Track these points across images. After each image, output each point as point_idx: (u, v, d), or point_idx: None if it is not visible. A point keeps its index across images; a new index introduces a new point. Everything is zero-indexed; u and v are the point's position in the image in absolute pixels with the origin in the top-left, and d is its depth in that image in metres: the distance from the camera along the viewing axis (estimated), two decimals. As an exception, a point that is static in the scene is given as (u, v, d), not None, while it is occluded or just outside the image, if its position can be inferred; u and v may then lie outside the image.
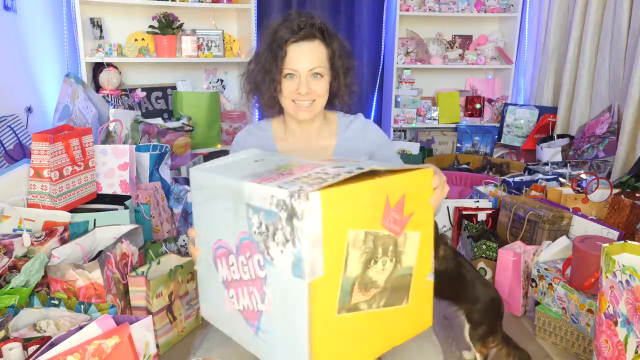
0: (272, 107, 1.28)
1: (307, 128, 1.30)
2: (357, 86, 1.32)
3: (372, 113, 3.92)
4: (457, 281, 1.40)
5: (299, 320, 0.73)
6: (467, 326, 1.47)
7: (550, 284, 1.67)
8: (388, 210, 0.79)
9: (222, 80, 3.58)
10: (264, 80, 1.23)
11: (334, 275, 0.73)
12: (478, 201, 2.33)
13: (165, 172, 2.26)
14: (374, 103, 3.92)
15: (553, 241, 1.86)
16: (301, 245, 0.69)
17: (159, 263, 1.63)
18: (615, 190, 2.11)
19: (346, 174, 0.74)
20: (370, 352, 0.84)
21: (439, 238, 1.35)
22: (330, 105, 1.31)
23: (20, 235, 1.51)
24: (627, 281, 1.16)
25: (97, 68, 3.09)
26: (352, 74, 1.29)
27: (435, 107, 3.77)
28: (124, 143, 2.32)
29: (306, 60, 1.19)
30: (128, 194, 1.91)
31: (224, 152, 3.07)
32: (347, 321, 0.77)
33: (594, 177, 2.18)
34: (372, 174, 0.78)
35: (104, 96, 2.92)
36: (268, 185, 0.73)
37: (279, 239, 0.72)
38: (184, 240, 2.11)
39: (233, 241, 0.82)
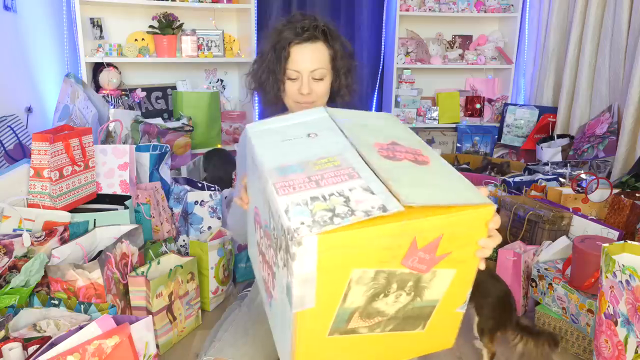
0: (275, 105, 1.31)
1: None
2: (358, 85, 1.35)
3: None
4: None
5: (288, 331, 0.73)
6: (476, 319, 1.49)
7: (550, 284, 1.67)
8: (414, 250, 0.69)
9: (222, 80, 3.58)
10: (268, 80, 1.25)
11: (328, 306, 0.71)
12: (478, 201, 2.32)
13: (165, 172, 2.26)
14: (374, 103, 3.92)
15: (553, 241, 1.86)
16: (293, 278, 0.66)
17: (159, 263, 1.63)
18: (615, 190, 2.11)
19: (362, 213, 0.64)
20: None
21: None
22: (331, 103, 1.32)
23: (20, 235, 1.51)
24: (627, 281, 1.16)
25: (97, 68, 3.09)
26: (353, 74, 1.31)
27: (435, 107, 3.77)
28: (124, 143, 2.32)
29: (308, 61, 1.22)
30: (128, 194, 1.91)
31: (221, 152, 3.06)
32: (341, 341, 0.76)
33: (594, 177, 2.18)
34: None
35: (104, 96, 2.92)
36: (279, 200, 0.68)
37: (282, 256, 0.69)
38: (184, 241, 2.11)
39: (264, 218, 0.79)
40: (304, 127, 0.86)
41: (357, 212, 0.65)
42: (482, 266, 0.77)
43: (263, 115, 3.37)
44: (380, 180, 0.70)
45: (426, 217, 0.67)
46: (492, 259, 1.95)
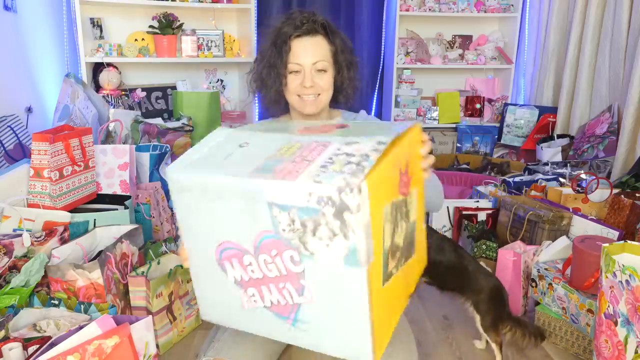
0: (278, 103, 1.30)
1: None
2: (359, 81, 1.35)
3: (372, 113, 3.92)
4: (461, 273, 1.41)
5: (355, 304, 0.73)
6: (477, 317, 1.50)
7: (550, 284, 1.67)
8: (402, 176, 0.80)
9: (222, 80, 3.58)
10: (270, 76, 1.25)
11: (379, 254, 0.74)
12: (478, 201, 2.33)
13: (165, 172, 2.26)
14: (374, 103, 3.92)
15: (553, 241, 1.86)
16: (356, 237, 0.67)
17: (159, 263, 1.63)
18: (615, 190, 2.11)
19: (373, 152, 0.70)
20: (399, 309, 0.88)
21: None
22: (334, 100, 1.32)
23: (20, 235, 1.51)
24: (627, 281, 1.16)
25: (97, 68, 3.09)
26: (354, 68, 1.31)
27: (435, 107, 3.77)
28: (124, 143, 2.32)
29: (310, 54, 1.22)
30: (128, 194, 1.91)
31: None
32: (388, 290, 0.79)
33: (594, 177, 2.18)
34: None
35: (104, 96, 2.92)
36: (299, 181, 0.68)
37: (323, 234, 0.70)
38: (184, 240, 2.11)
39: (248, 241, 0.78)
40: (229, 143, 0.84)
41: (366, 155, 0.70)
42: (427, 175, 0.92)
43: (263, 116, 3.38)
44: (345, 139, 0.76)
45: (401, 145, 0.78)
46: (492, 259, 1.95)
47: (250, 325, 0.87)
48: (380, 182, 0.70)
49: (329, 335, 0.79)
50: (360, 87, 1.35)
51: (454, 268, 1.38)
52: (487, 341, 1.57)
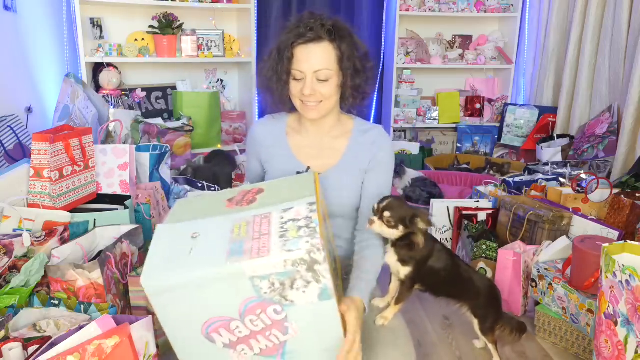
0: (284, 103, 1.29)
1: (320, 125, 1.31)
2: (371, 87, 1.30)
3: (372, 113, 3.93)
4: (457, 278, 1.41)
5: (330, 324, 0.94)
6: (475, 322, 1.50)
7: (550, 284, 1.67)
8: (324, 220, 0.99)
9: (222, 80, 3.58)
10: (273, 80, 1.24)
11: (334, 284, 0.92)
12: (478, 201, 2.32)
13: (165, 172, 2.26)
14: (374, 103, 3.92)
15: (553, 241, 1.86)
16: (325, 279, 0.86)
17: (159, 263, 1.62)
18: (615, 190, 2.11)
19: (311, 213, 0.91)
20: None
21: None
22: (344, 102, 1.30)
23: (20, 235, 1.51)
24: (627, 281, 1.16)
25: (97, 68, 3.09)
26: (364, 75, 1.27)
27: (435, 107, 3.77)
28: (124, 143, 2.32)
29: (312, 62, 1.19)
30: (128, 194, 1.91)
31: (222, 152, 3.07)
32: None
33: (594, 177, 2.18)
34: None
35: (104, 96, 2.92)
36: (273, 255, 0.84)
37: (299, 285, 0.86)
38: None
39: (233, 311, 0.89)
40: (179, 238, 0.93)
41: (309, 218, 0.90)
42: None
43: (263, 116, 3.36)
44: (278, 207, 0.95)
45: (317, 195, 0.98)
46: (492, 259, 1.95)
47: None
48: (322, 234, 0.88)
49: (312, 353, 0.96)
50: (370, 92, 1.31)
51: (449, 275, 1.38)
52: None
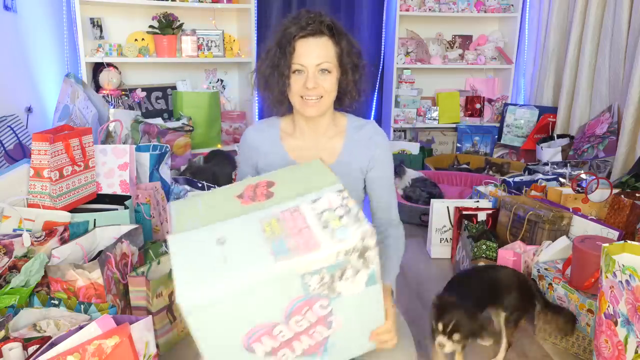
0: (281, 103, 1.28)
1: (315, 126, 1.30)
2: (366, 84, 1.32)
3: (372, 113, 3.93)
4: (486, 290, 1.43)
5: (375, 308, 0.94)
6: (502, 315, 1.50)
7: (550, 284, 1.67)
8: None
9: (222, 80, 3.58)
10: (273, 76, 1.23)
11: None
12: (478, 201, 2.33)
13: (165, 172, 2.26)
14: (374, 103, 3.92)
15: (553, 241, 1.86)
16: (374, 264, 0.85)
17: (159, 263, 1.63)
18: (615, 190, 2.11)
19: (345, 199, 0.88)
20: None
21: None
22: (339, 102, 1.31)
23: (20, 235, 1.51)
24: (627, 281, 1.16)
25: (97, 68, 3.09)
26: (360, 71, 1.28)
27: (435, 107, 3.77)
28: (124, 143, 2.32)
29: (314, 55, 1.20)
30: (128, 194, 1.91)
31: (222, 152, 3.06)
32: None
33: (594, 177, 2.18)
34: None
35: (104, 96, 2.92)
36: (324, 248, 0.80)
37: (348, 275, 0.83)
38: (184, 240, 2.10)
39: (279, 314, 0.84)
40: (205, 246, 0.85)
41: (345, 205, 0.87)
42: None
43: (263, 116, 3.38)
44: (304, 198, 0.90)
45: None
46: (492, 259, 1.95)
47: None
48: None
49: (354, 342, 0.96)
50: (367, 89, 1.33)
51: (482, 298, 1.40)
52: (492, 340, 1.57)
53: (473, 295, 1.40)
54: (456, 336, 1.21)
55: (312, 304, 0.84)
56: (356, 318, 0.91)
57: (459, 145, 3.76)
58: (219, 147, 3.30)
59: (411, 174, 2.96)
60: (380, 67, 3.85)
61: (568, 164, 2.77)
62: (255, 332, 0.84)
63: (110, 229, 1.64)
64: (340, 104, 1.31)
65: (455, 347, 1.23)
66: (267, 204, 0.91)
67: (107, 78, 3.03)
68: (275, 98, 1.28)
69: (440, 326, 1.23)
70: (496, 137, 3.69)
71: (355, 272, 0.83)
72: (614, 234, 1.83)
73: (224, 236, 0.85)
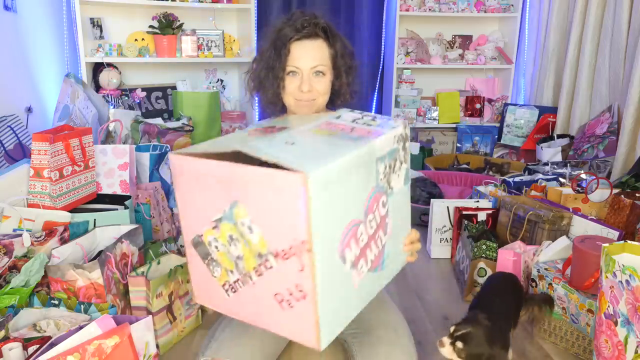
0: (275, 104, 1.29)
1: None
2: (359, 86, 1.34)
3: (372, 113, 3.92)
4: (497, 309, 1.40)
5: (407, 208, 0.98)
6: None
7: (550, 284, 1.67)
8: None
9: (222, 80, 3.58)
10: (268, 77, 1.24)
11: None
12: (478, 201, 2.32)
13: (165, 172, 2.26)
14: (374, 103, 3.92)
15: (553, 241, 1.86)
16: (409, 157, 0.92)
17: (159, 263, 1.63)
18: (615, 190, 2.11)
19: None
20: None
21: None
22: (331, 104, 1.32)
23: (20, 235, 1.51)
24: (627, 281, 1.16)
25: (97, 68, 3.09)
26: (354, 73, 1.30)
27: (435, 107, 3.77)
28: (124, 143, 2.32)
29: (309, 58, 1.21)
30: (128, 194, 1.91)
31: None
32: None
33: (594, 177, 2.18)
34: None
35: (104, 96, 2.92)
36: (388, 132, 0.86)
37: (397, 167, 0.88)
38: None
39: (362, 209, 0.79)
40: (278, 146, 0.77)
41: (370, 114, 0.97)
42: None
43: (263, 116, 3.38)
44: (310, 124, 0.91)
45: None
46: (492, 259, 1.95)
47: (361, 302, 0.87)
48: None
49: (398, 254, 0.96)
50: (359, 91, 1.35)
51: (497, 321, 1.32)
52: None
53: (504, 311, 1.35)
54: (459, 345, 1.13)
55: (379, 199, 0.84)
56: (398, 223, 0.93)
57: (459, 145, 3.76)
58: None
59: (411, 174, 2.96)
60: (380, 67, 3.85)
61: (568, 164, 2.77)
62: (348, 232, 0.76)
63: (110, 229, 1.65)
64: (332, 104, 1.32)
65: (453, 357, 1.15)
66: (319, 121, 0.93)
67: (107, 78, 3.03)
68: (269, 99, 1.29)
69: (452, 328, 1.17)
70: (496, 137, 3.69)
71: (400, 165, 0.88)
72: (614, 234, 1.83)
73: (291, 140, 0.78)
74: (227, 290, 0.81)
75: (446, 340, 1.17)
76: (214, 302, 0.85)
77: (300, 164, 0.67)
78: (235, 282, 0.79)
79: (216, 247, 0.78)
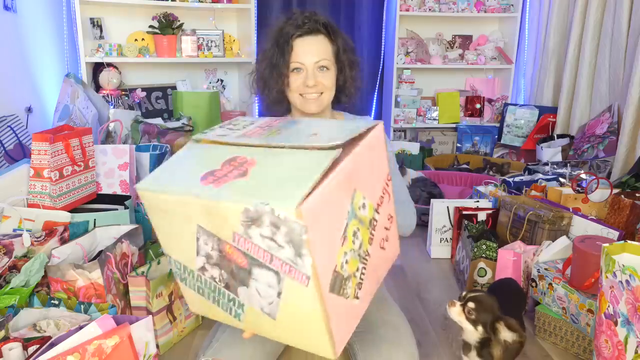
0: (280, 103, 1.29)
1: None
2: (361, 81, 1.35)
3: (372, 113, 3.93)
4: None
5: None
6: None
7: (550, 284, 1.67)
8: None
9: (222, 80, 3.58)
10: (272, 76, 1.24)
11: None
12: (478, 201, 2.32)
13: (165, 172, 2.26)
14: (374, 103, 3.92)
15: (553, 241, 1.86)
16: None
17: (159, 263, 1.63)
18: (615, 190, 2.11)
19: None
20: None
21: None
22: (336, 100, 1.32)
23: (20, 235, 1.51)
24: (627, 281, 1.16)
25: (97, 68, 3.09)
26: (357, 68, 1.31)
27: (435, 107, 3.77)
28: (124, 143, 2.32)
29: (312, 53, 1.22)
30: (128, 194, 1.91)
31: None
32: None
33: (594, 177, 2.18)
34: None
35: (104, 96, 2.92)
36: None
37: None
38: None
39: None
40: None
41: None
42: None
43: (263, 116, 3.35)
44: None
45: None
46: (492, 259, 1.95)
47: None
48: None
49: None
50: (361, 86, 1.35)
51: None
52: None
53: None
54: (470, 305, 1.15)
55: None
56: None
57: (459, 145, 3.76)
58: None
59: (411, 174, 2.96)
60: (380, 67, 3.85)
61: (568, 164, 2.77)
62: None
63: (110, 229, 1.65)
64: (338, 101, 1.33)
65: (461, 317, 1.16)
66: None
67: (107, 78, 3.03)
68: (274, 98, 1.29)
69: (462, 293, 1.20)
70: (496, 137, 3.69)
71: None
72: (614, 234, 1.83)
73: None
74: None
75: (456, 301, 1.20)
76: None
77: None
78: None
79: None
